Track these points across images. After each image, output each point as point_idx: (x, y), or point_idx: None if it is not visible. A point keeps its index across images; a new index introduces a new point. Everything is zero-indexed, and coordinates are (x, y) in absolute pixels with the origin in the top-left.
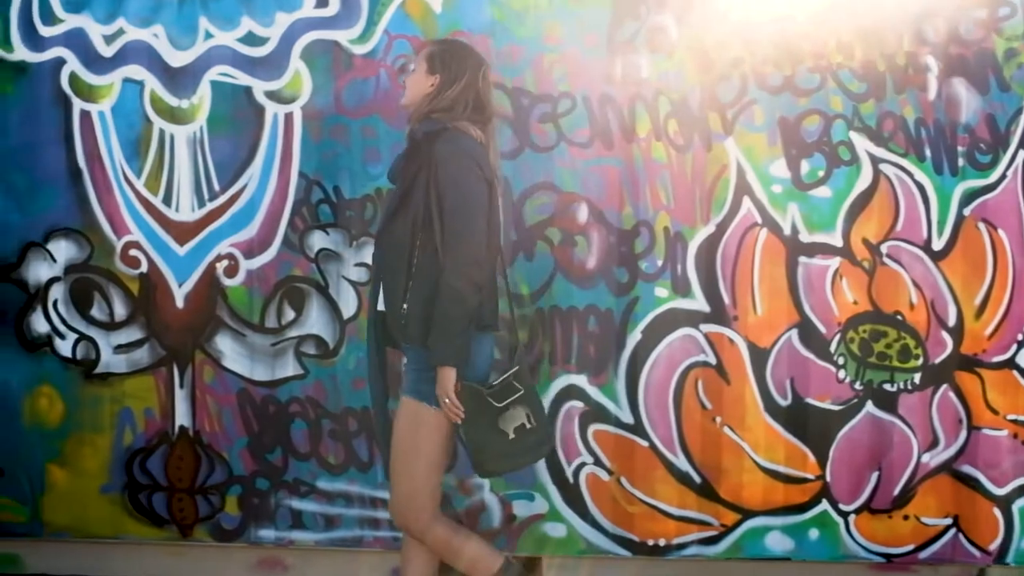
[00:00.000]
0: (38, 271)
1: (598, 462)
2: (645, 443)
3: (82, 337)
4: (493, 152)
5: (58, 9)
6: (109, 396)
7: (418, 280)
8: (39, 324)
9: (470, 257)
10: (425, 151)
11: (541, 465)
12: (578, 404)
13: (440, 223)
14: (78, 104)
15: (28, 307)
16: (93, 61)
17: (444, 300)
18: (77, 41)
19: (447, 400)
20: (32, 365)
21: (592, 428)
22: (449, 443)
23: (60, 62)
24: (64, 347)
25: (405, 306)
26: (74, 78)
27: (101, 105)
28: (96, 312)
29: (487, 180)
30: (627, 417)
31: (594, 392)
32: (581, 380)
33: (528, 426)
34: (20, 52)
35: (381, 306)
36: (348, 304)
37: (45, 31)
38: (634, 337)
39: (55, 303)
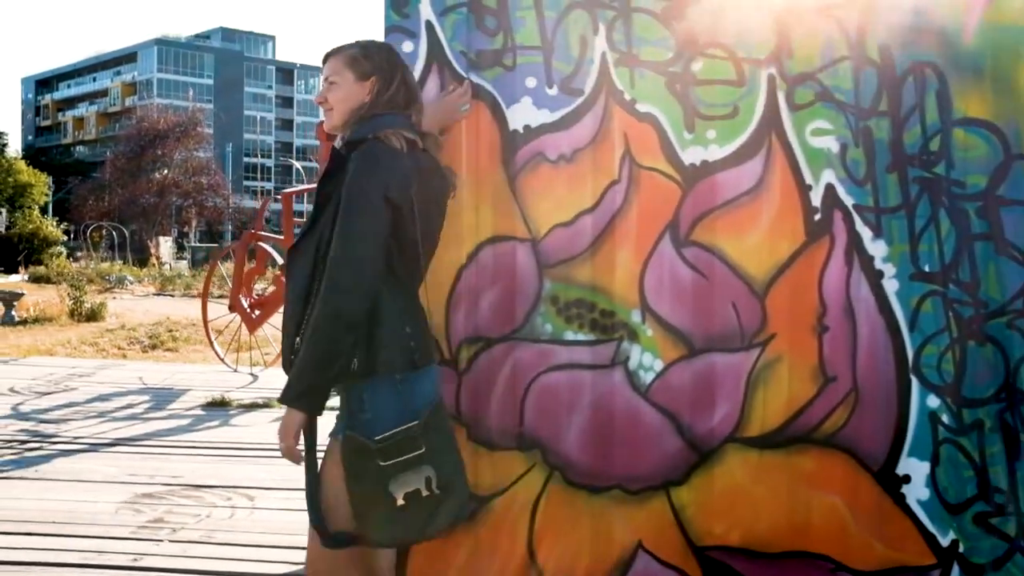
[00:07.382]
0: None
1: None
2: None
3: None
4: (432, 147)
5: None
6: None
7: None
8: None
9: (345, 286)
10: (344, 166)
11: None
12: None
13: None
14: None
15: None
16: None
17: (307, 332)
18: None
19: (283, 446)
20: None
21: None
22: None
23: None
24: None
25: (299, 340)
26: None
27: None
28: None
29: (394, 203)
30: None
31: None
32: None
33: (425, 493)
34: None
35: None
36: None
37: None
38: None
39: None
